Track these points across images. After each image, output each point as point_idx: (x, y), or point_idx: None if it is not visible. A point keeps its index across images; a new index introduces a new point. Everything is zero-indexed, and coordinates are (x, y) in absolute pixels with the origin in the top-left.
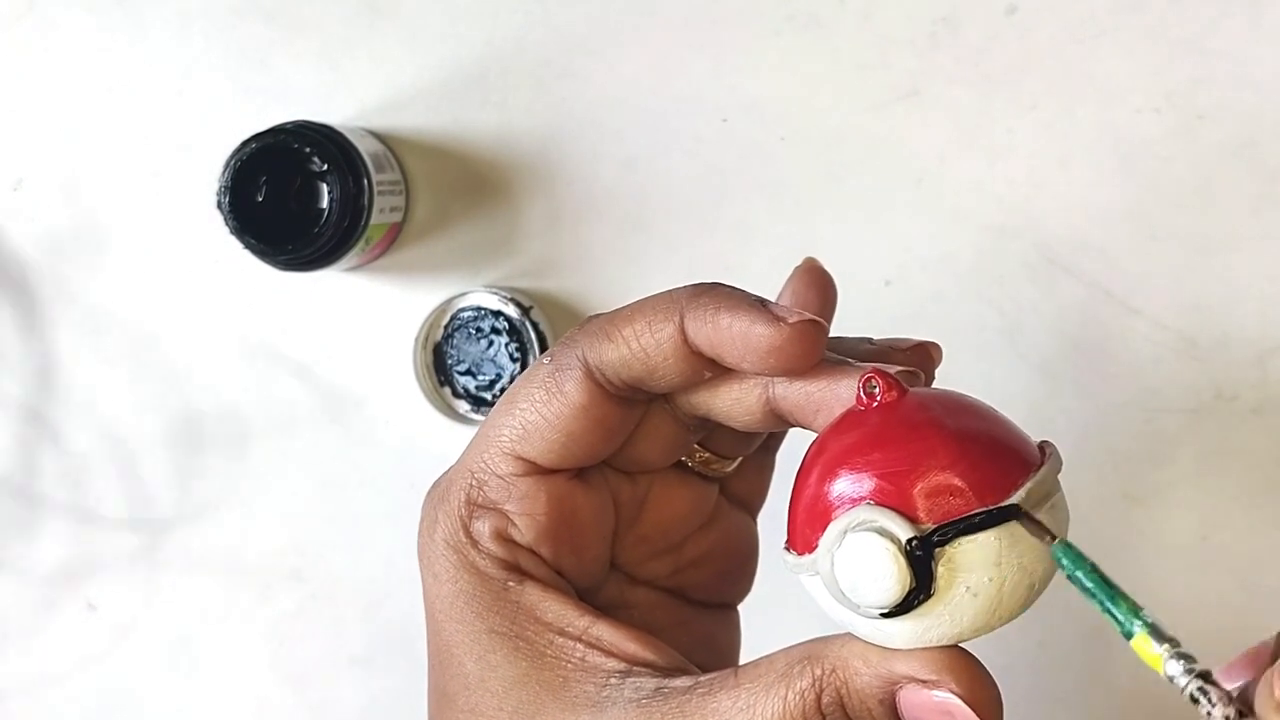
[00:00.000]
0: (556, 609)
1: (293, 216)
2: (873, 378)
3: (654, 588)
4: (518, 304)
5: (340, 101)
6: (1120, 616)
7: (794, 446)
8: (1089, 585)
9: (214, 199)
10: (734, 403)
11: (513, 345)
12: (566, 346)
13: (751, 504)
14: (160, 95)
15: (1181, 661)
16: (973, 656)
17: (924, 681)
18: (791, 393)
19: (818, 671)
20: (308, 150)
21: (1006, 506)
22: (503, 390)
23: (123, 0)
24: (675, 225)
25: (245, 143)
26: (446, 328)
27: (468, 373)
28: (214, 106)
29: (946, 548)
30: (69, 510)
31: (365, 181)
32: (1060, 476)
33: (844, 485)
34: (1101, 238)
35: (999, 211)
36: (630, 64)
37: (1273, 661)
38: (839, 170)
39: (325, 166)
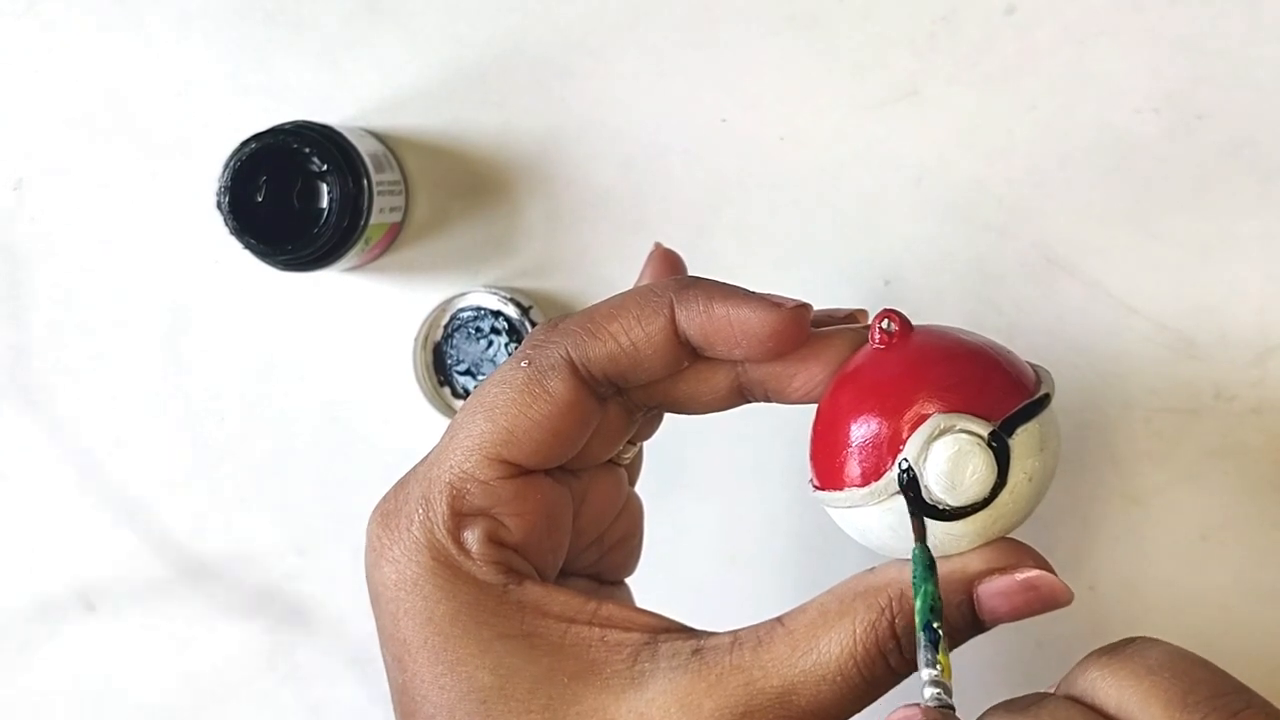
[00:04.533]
0: (561, 600)
1: (292, 216)
2: (889, 317)
3: (580, 576)
4: (517, 304)
5: (340, 101)
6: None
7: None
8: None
9: (213, 199)
10: (702, 385)
11: (512, 345)
12: (542, 347)
13: (635, 479)
14: (160, 95)
15: (934, 689)
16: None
17: (1003, 570)
18: (767, 365)
19: (883, 599)
20: (307, 150)
21: (1042, 396)
22: None
23: (123, 0)
24: (674, 225)
25: (245, 143)
26: (446, 328)
27: (467, 373)
28: (213, 106)
29: (1012, 439)
30: (70, 508)
31: (365, 181)
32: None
33: (902, 407)
34: (1100, 237)
35: (998, 211)
36: (629, 63)
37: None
38: (838, 170)
39: (325, 166)
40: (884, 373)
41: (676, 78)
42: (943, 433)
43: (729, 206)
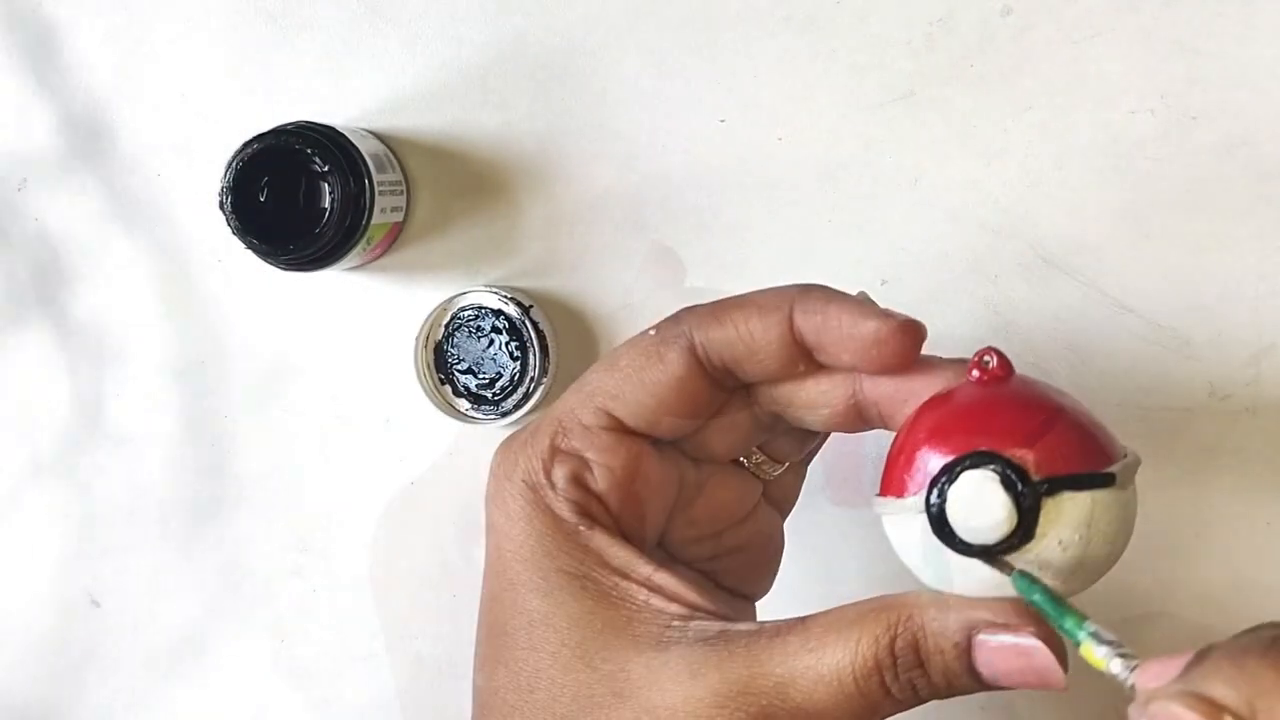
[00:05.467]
0: (623, 555)
1: (294, 217)
2: (989, 354)
3: (690, 568)
4: (518, 303)
5: (342, 102)
6: (1068, 628)
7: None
8: (1042, 606)
9: (216, 199)
10: (820, 395)
11: (513, 344)
12: (673, 323)
13: (784, 507)
14: (163, 96)
15: (1121, 660)
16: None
17: (1004, 625)
18: (881, 385)
19: (892, 618)
20: (309, 151)
21: (1106, 473)
22: (503, 389)
23: (126, 2)
24: (673, 225)
25: (247, 143)
26: (447, 327)
27: (468, 371)
28: (216, 107)
29: (1049, 499)
30: (75, 507)
31: (366, 182)
32: None
33: (963, 436)
34: (1096, 237)
35: (994, 211)
36: (629, 65)
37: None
38: (836, 170)
39: (327, 167)
40: (963, 403)
41: (676, 79)
42: (977, 465)
43: (728, 207)
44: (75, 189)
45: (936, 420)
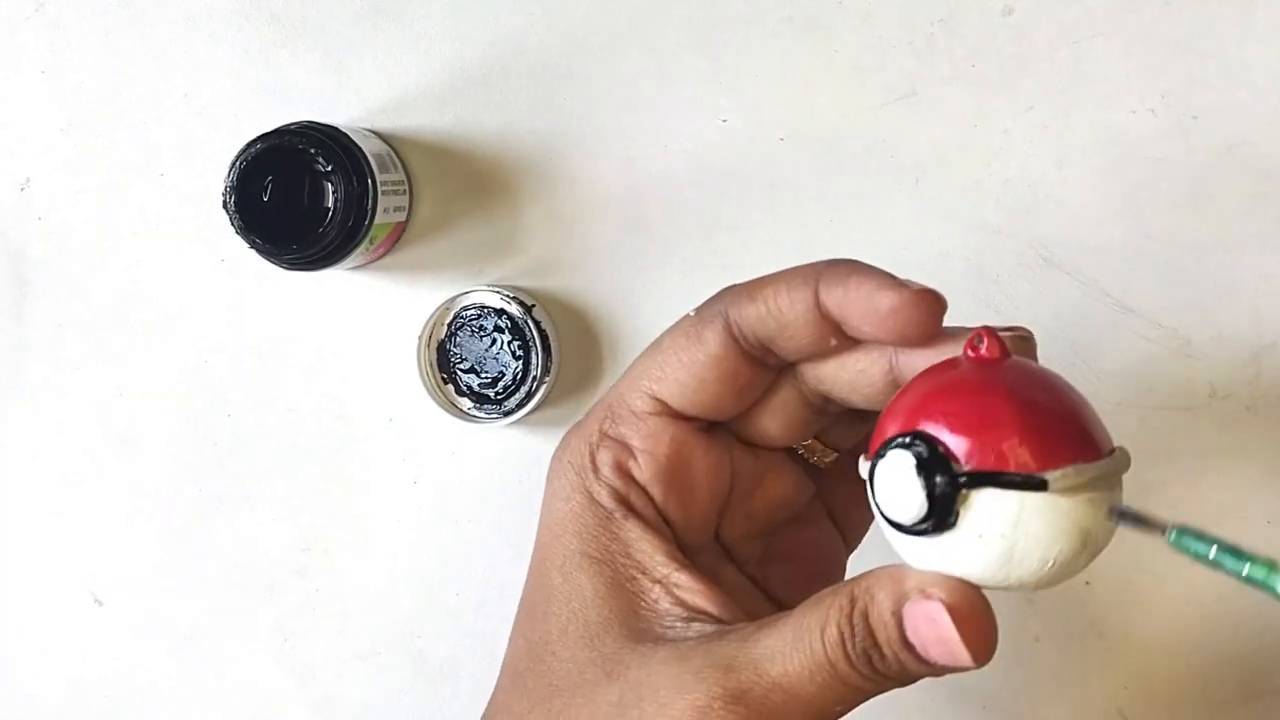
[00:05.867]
0: (648, 550)
1: (298, 216)
2: (980, 333)
3: (742, 571)
4: (520, 302)
5: (345, 102)
6: (1261, 579)
7: None
8: (1222, 564)
9: (220, 199)
10: (859, 374)
11: (515, 343)
12: (711, 304)
13: (847, 532)
14: (167, 96)
15: None
16: (977, 590)
17: (924, 594)
18: (914, 359)
19: (858, 589)
20: (313, 151)
21: (1034, 477)
22: (506, 388)
23: (129, 2)
24: (675, 224)
25: (251, 143)
26: (450, 326)
27: (471, 370)
28: (220, 107)
29: (971, 491)
30: (77, 505)
31: (369, 182)
32: None
33: (914, 412)
34: (1097, 237)
35: (995, 211)
36: (631, 65)
37: None
38: (837, 170)
39: (330, 167)
40: (937, 380)
41: (677, 79)
42: (905, 446)
43: (729, 206)
44: (78, 189)
45: (910, 392)
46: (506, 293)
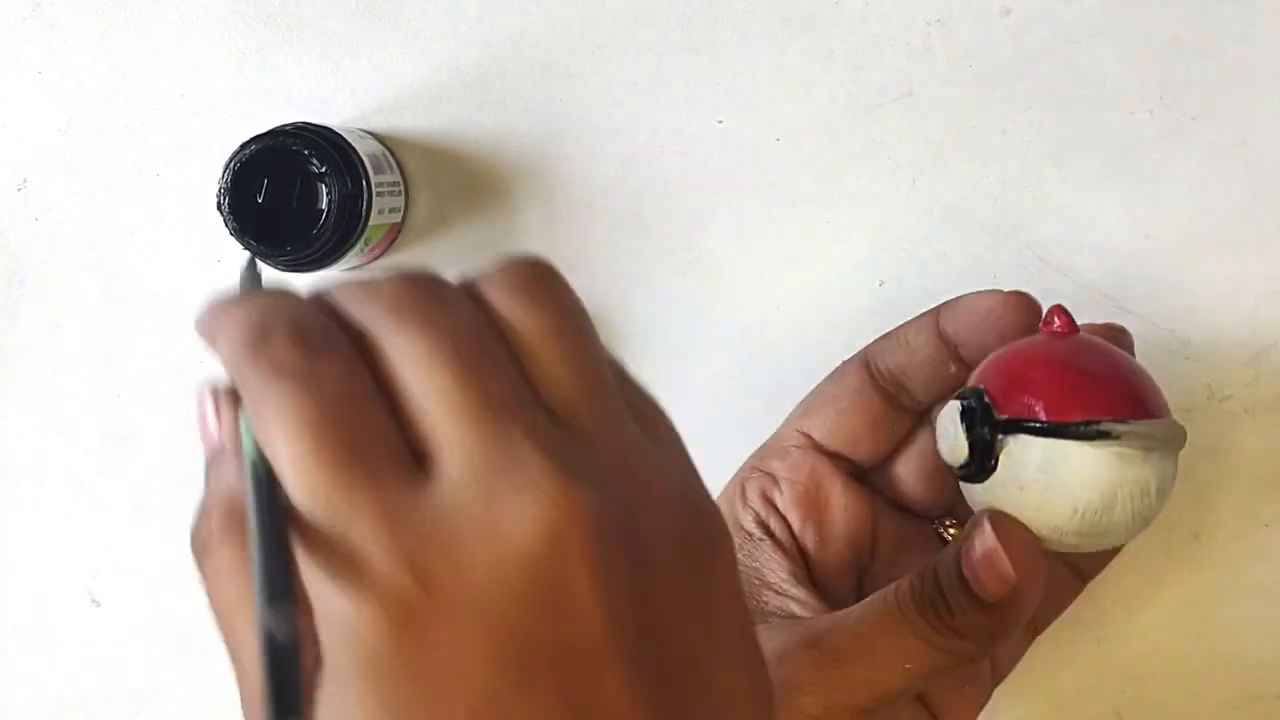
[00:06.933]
0: (776, 569)
1: (292, 218)
2: (1052, 312)
3: None
4: None
5: (340, 103)
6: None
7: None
8: None
9: (214, 200)
10: None
11: None
12: (863, 349)
13: (1000, 668)
14: (161, 97)
15: None
16: (1021, 524)
17: (976, 525)
18: None
19: (921, 566)
20: (307, 152)
21: (1059, 423)
22: None
23: (125, 2)
24: (671, 225)
25: (245, 144)
26: None
27: None
28: (214, 108)
29: (1007, 437)
30: (75, 506)
31: (364, 183)
32: None
33: (984, 371)
34: (1094, 238)
35: (993, 212)
36: (627, 65)
37: None
38: (834, 171)
39: (324, 168)
40: (1011, 347)
41: (673, 79)
42: (958, 396)
43: (725, 207)
44: (74, 189)
45: (989, 358)
46: None
